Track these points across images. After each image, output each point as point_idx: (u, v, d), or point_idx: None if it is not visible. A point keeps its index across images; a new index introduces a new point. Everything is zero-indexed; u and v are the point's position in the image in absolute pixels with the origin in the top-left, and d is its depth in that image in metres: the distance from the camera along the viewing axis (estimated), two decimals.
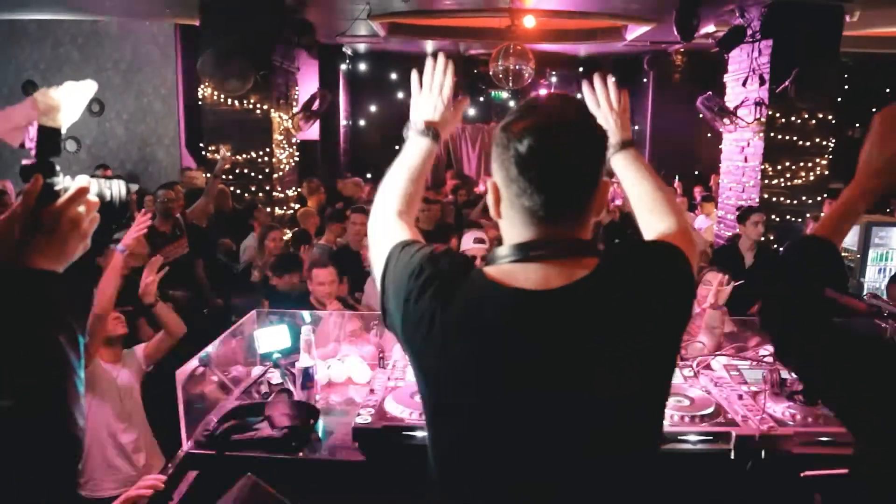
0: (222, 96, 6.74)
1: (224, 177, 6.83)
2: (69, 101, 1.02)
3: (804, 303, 1.17)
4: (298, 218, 6.64)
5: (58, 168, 1.01)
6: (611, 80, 1.50)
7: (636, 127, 11.34)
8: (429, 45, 10.26)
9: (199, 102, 6.98)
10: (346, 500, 1.84)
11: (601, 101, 1.48)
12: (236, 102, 6.78)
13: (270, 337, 2.40)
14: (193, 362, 2.13)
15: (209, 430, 1.95)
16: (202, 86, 6.85)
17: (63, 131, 1.03)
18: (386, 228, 1.31)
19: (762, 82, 6.95)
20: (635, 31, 8.71)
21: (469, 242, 3.53)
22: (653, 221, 1.31)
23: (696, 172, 10.12)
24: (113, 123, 8.60)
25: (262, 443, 1.90)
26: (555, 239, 1.10)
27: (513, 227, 1.12)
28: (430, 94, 1.49)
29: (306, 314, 2.62)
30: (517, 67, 7.23)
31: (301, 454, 1.90)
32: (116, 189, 1.08)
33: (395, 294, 1.18)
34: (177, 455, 1.89)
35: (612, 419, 1.09)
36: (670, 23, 7.14)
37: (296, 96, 7.51)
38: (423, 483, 1.62)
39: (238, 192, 6.84)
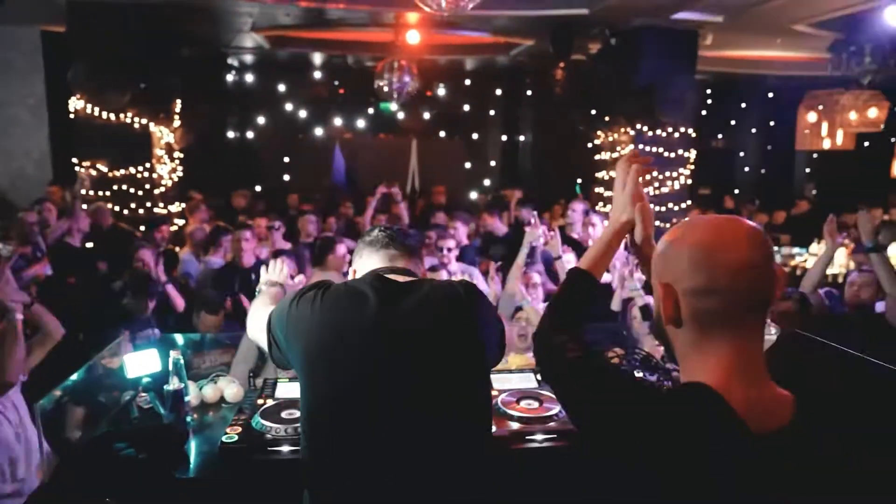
0: (96, 109, 6.48)
1: (101, 193, 6.58)
2: None
3: (554, 329, 1.37)
4: (187, 235, 6.48)
5: None
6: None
7: (521, 138, 11.82)
8: (317, 57, 10.26)
9: (72, 115, 6.67)
10: None
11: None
12: (112, 115, 6.54)
13: (140, 361, 2.39)
14: (55, 392, 2.10)
15: (72, 459, 1.95)
16: (74, 97, 6.56)
17: None
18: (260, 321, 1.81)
19: (627, 98, 7.49)
20: (518, 47, 9.11)
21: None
22: None
23: (580, 181, 10.67)
24: None
25: (128, 467, 1.92)
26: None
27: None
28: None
29: (178, 337, 2.63)
30: (402, 81, 7.40)
31: (168, 475, 1.93)
32: None
33: (278, 323, 1.68)
34: (35, 488, 1.88)
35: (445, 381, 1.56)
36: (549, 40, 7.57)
37: (177, 109, 7.31)
38: (288, 494, 1.72)
39: (117, 208, 6.58)
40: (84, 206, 6.32)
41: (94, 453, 1.98)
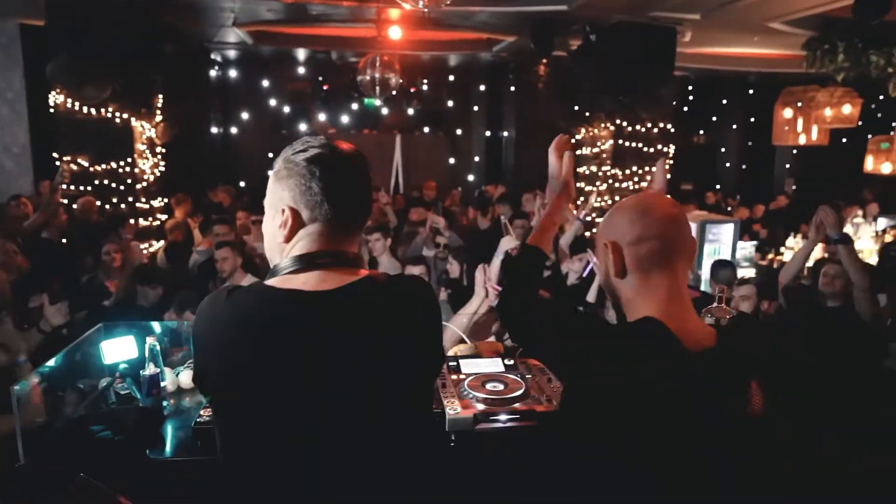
0: (77, 104, 6.47)
1: (82, 188, 6.58)
2: None
3: (515, 297, 1.59)
4: (167, 230, 6.51)
5: None
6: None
7: (505, 133, 11.91)
8: (300, 53, 10.28)
9: (52, 110, 6.65)
10: (187, 494, 1.95)
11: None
12: (93, 110, 6.53)
13: (116, 348, 2.45)
14: (33, 377, 2.15)
15: (47, 442, 2.00)
16: (54, 92, 6.54)
17: None
18: None
19: (607, 94, 7.57)
20: (500, 44, 9.18)
21: None
22: None
23: None
24: None
25: (103, 448, 1.97)
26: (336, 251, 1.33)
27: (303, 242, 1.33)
28: None
29: (155, 324, 2.68)
30: (385, 77, 7.45)
31: (143, 456, 1.99)
32: None
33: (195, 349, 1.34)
34: (12, 469, 1.92)
35: (375, 403, 1.26)
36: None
37: (159, 104, 7.31)
38: None
39: (98, 203, 6.58)
40: (64, 201, 6.34)
41: (71, 435, 2.03)
